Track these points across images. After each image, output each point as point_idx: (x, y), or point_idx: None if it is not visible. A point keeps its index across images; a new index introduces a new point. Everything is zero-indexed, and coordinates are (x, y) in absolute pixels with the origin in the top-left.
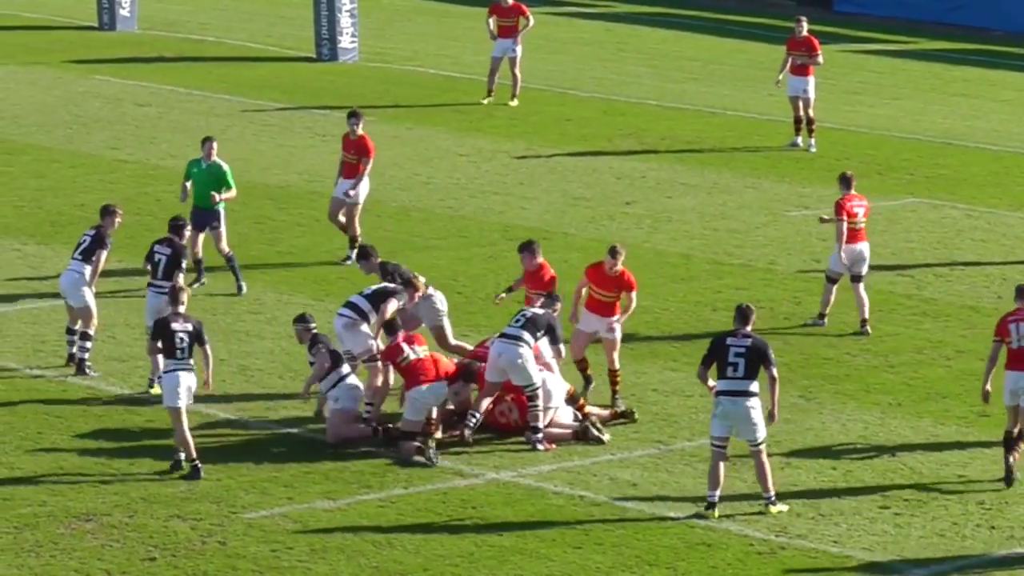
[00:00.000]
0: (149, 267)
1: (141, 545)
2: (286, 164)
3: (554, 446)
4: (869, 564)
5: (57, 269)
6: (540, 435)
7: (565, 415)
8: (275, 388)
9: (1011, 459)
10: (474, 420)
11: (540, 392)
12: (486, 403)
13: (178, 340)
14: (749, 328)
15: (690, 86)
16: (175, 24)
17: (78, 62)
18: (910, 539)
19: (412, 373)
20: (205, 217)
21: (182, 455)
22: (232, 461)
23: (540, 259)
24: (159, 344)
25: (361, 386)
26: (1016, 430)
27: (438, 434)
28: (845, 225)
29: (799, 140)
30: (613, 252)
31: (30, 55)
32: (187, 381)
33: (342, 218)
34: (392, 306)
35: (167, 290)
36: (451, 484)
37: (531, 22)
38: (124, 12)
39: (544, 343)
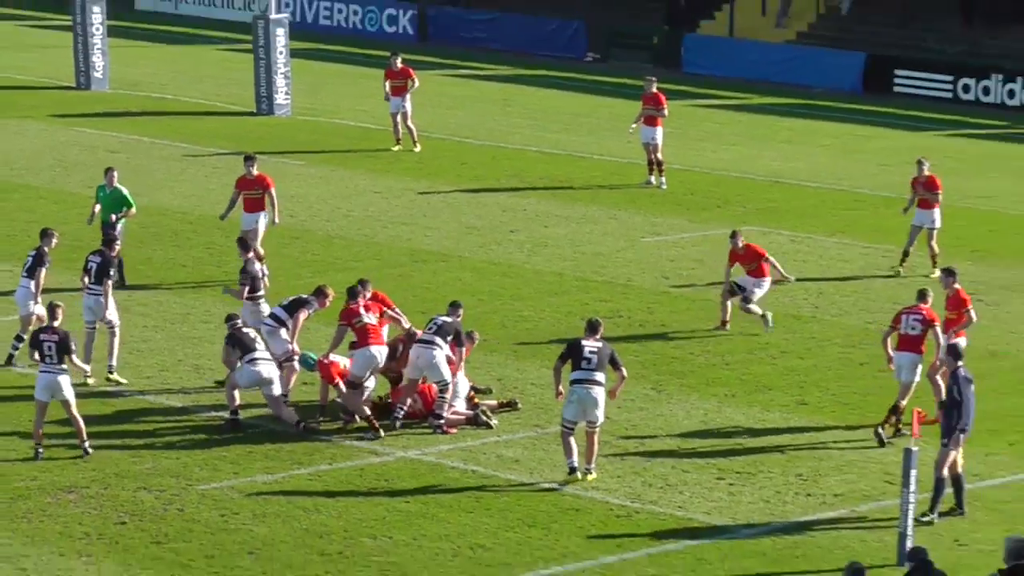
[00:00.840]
0: (84, 274)
1: (114, 512)
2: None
3: (453, 430)
4: (708, 526)
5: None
6: (442, 421)
7: (460, 404)
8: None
9: (881, 428)
10: (402, 412)
11: (450, 387)
12: (409, 400)
13: (46, 348)
14: (598, 336)
15: (563, 135)
16: (139, 84)
17: (60, 116)
18: (741, 505)
19: (363, 334)
20: (108, 232)
21: (41, 449)
22: (187, 442)
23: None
24: (35, 351)
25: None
26: (903, 402)
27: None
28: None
29: (652, 179)
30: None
31: (19, 111)
32: (50, 382)
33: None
34: (303, 315)
35: (99, 292)
36: (367, 461)
37: (416, 83)
38: (97, 74)
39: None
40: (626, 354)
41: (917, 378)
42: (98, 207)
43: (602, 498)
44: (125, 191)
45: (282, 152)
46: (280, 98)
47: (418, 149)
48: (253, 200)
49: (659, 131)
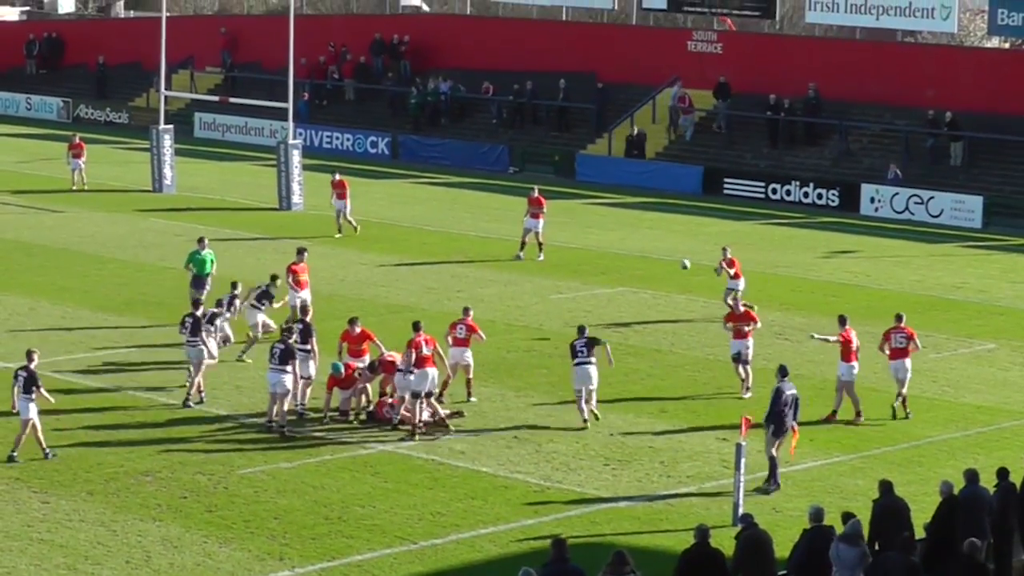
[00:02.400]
0: (182, 329)
1: (178, 489)
2: (263, 269)
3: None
4: (597, 498)
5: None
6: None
7: (425, 412)
8: (256, 399)
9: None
10: (397, 417)
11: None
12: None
13: (20, 380)
14: (584, 335)
15: (493, 224)
16: (197, 189)
17: (140, 211)
18: (621, 483)
19: (420, 360)
20: (202, 282)
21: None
22: (230, 440)
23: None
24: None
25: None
26: (904, 391)
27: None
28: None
29: (521, 255)
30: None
31: (111, 207)
32: (27, 406)
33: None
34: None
35: (197, 342)
36: (357, 453)
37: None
38: (167, 182)
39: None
40: (537, 377)
41: (909, 374)
42: (191, 267)
43: (523, 479)
44: (213, 254)
45: (296, 236)
46: (295, 198)
47: (358, 231)
48: (302, 281)
49: (541, 222)
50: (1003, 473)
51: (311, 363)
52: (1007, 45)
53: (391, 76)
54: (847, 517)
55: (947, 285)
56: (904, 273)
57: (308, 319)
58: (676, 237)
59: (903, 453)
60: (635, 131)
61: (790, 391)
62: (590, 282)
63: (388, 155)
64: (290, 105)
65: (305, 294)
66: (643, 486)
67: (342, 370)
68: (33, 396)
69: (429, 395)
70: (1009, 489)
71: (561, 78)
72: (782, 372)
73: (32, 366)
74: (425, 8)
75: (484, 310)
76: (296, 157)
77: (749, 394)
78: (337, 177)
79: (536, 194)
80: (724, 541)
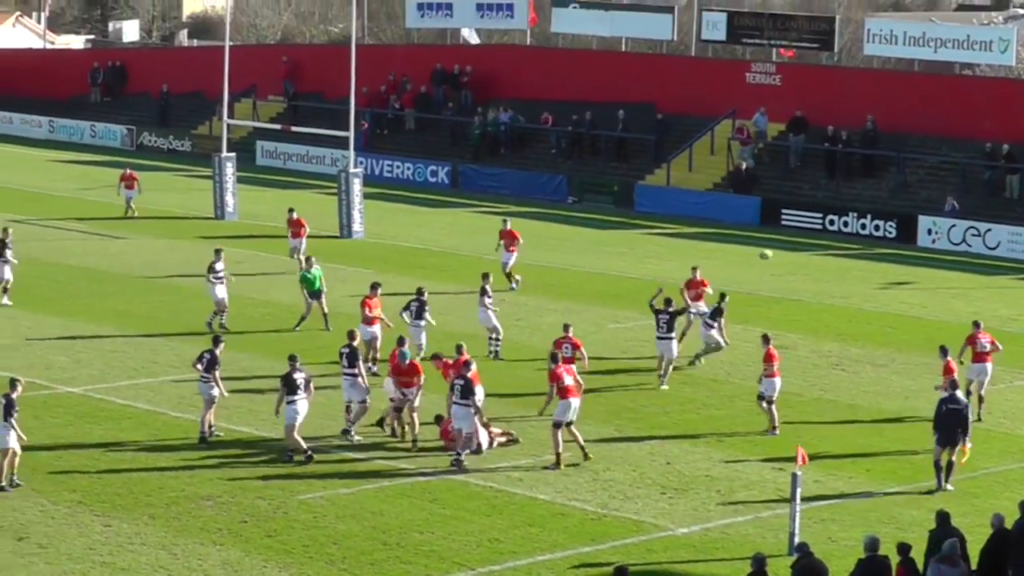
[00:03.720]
0: (197, 364)
1: (238, 513)
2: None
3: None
4: (654, 526)
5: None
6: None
7: (483, 435)
8: (312, 425)
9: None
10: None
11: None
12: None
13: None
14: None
15: (552, 254)
16: (258, 216)
17: (204, 237)
18: (677, 512)
19: (564, 391)
20: (316, 295)
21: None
22: (290, 467)
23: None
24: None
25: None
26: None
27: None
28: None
29: (514, 286)
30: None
31: (174, 234)
32: (7, 434)
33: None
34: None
35: (210, 379)
36: (416, 480)
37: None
38: (229, 209)
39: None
40: (595, 406)
41: (989, 376)
42: (304, 286)
43: (580, 506)
44: (320, 271)
45: (357, 264)
46: (356, 226)
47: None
48: (373, 318)
49: (513, 256)
50: None
51: (358, 386)
52: None
53: (452, 106)
54: (903, 548)
55: (1003, 317)
56: (960, 305)
57: (355, 344)
58: (733, 268)
59: (959, 484)
60: (743, 166)
61: (951, 405)
62: (647, 312)
63: (448, 184)
64: (351, 134)
65: (376, 329)
66: (699, 515)
67: (408, 358)
68: (12, 423)
69: (570, 424)
70: None
71: (620, 109)
72: (952, 385)
73: (14, 395)
74: (474, 39)
75: (543, 339)
76: (357, 185)
77: (776, 432)
78: (295, 216)
79: (508, 227)
80: (780, 570)
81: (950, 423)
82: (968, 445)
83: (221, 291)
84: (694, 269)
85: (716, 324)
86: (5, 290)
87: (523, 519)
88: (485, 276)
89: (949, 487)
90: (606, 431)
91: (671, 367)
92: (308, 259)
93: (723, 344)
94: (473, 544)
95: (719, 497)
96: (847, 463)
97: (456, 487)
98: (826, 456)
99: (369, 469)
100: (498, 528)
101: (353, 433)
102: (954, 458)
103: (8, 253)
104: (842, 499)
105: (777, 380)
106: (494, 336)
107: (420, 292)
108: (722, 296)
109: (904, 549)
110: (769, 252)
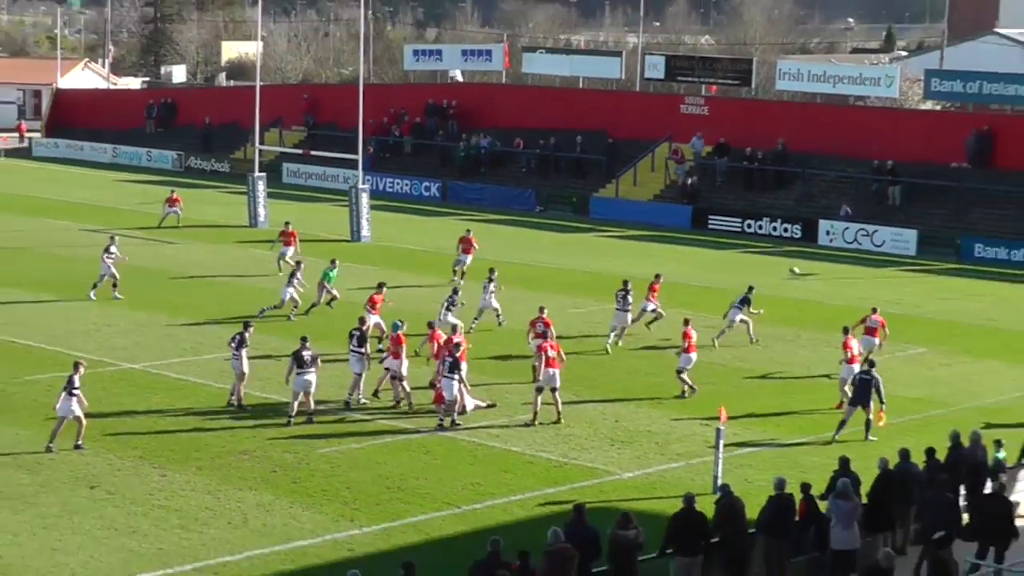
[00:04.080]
0: (231, 343)
1: (269, 464)
2: (341, 286)
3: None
4: (606, 471)
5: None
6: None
7: (469, 401)
8: (332, 393)
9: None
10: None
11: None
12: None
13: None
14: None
15: (524, 253)
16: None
17: (239, 242)
18: (624, 459)
19: (547, 361)
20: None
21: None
22: (312, 427)
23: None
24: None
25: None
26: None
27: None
28: None
29: (459, 281)
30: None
31: (215, 240)
32: (68, 405)
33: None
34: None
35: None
36: (412, 437)
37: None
38: (260, 219)
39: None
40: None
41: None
42: (326, 282)
43: (546, 456)
44: (336, 273)
45: (365, 263)
46: (364, 232)
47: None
48: (377, 308)
49: (469, 257)
50: (930, 452)
51: (364, 362)
52: (939, 107)
53: (441, 133)
54: (805, 487)
55: (888, 301)
56: (853, 292)
57: (365, 328)
58: (670, 263)
59: (850, 436)
60: (689, 182)
61: (864, 376)
62: (601, 300)
63: (439, 197)
64: (360, 157)
65: (377, 318)
66: (641, 462)
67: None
68: (75, 395)
69: (554, 390)
70: (935, 466)
71: (578, 135)
72: (869, 362)
73: (76, 376)
74: (459, 78)
75: (516, 320)
76: (364, 199)
77: (685, 397)
78: (289, 227)
79: (470, 235)
80: (706, 506)
81: (862, 389)
82: (883, 410)
83: (287, 292)
84: (658, 276)
85: (743, 309)
86: (115, 285)
87: (499, 467)
88: (491, 270)
89: (872, 438)
90: (566, 396)
91: (624, 332)
92: (333, 260)
93: (749, 323)
94: (459, 487)
95: (657, 448)
96: (760, 420)
97: (445, 442)
98: (744, 415)
99: (375, 428)
100: (479, 474)
101: (360, 399)
102: (871, 417)
103: (113, 253)
104: (756, 448)
105: (693, 355)
106: (497, 314)
107: (455, 291)
108: (750, 288)
109: (806, 488)
110: (798, 268)
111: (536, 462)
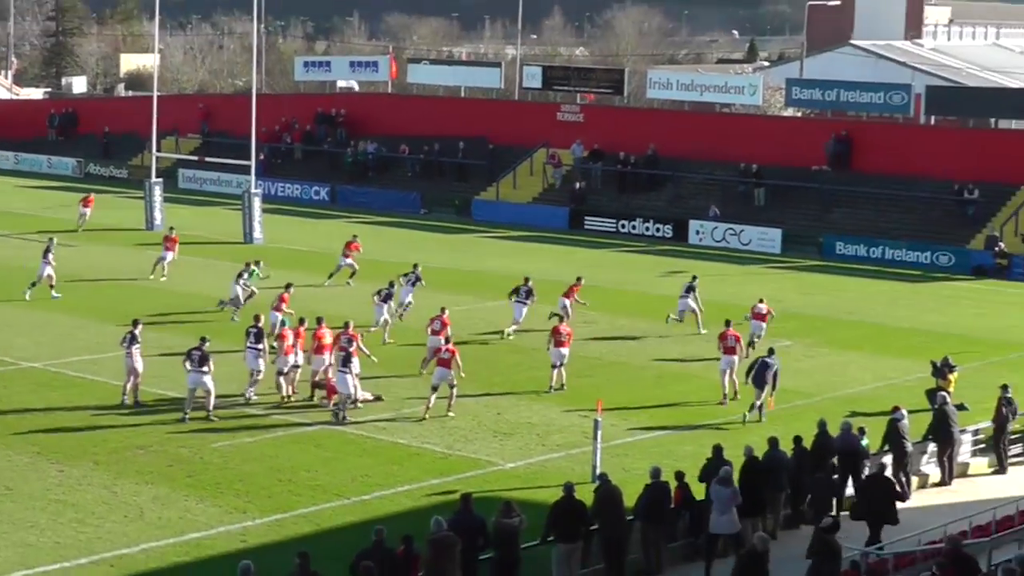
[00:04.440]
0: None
1: (165, 458)
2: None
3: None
4: (488, 462)
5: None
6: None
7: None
8: (226, 388)
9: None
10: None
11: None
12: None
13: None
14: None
15: (411, 253)
16: (180, 227)
17: (136, 244)
18: (506, 451)
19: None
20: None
21: None
22: (208, 423)
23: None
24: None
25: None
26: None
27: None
28: None
29: (329, 283)
30: None
31: (113, 242)
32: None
33: None
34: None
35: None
36: (303, 431)
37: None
38: (157, 222)
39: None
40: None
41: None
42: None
43: (431, 448)
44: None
45: (257, 262)
46: (256, 233)
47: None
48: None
49: (348, 260)
50: (798, 440)
51: (261, 360)
52: (800, 114)
53: (330, 140)
54: (679, 475)
55: (754, 296)
56: (722, 288)
57: (260, 325)
58: (548, 262)
59: (724, 426)
60: (577, 186)
61: (767, 359)
62: (483, 297)
63: (328, 201)
64: (252, 163)
65: (279, 315)
66: (523, 452)
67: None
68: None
69: (435, 389)
70: (802, 452)
71: (461, 141)
72: (770, 351)
73: (136, 331)
74: (355, 88)
75: (414, 319)
76: (257, 203)
77: (551, 392)
78: (172, 233)
79: (356, 240)
80: (586, 494)
81: (761, 372)
82: (773, 396)
83: (235, 289)
84: (579, 279)
85: (690, 296)
86: (51, 286)
87: (387, 459)
88: (415, 266)
89: (763, 420)
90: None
91: (516, 326)
92: (258, 262)
93: (697, 311)
94: (348, 479)
95: (539, 439)
96: (636, 411)
97: (335, 435)
98: (620, 408)
99: (268, 423)
100: (368, 466)
101: (252, 395)
102: (761, 401)
103: (50, 256)
104: (633, 439)
105: (564, 350)
106: (404, 309)
107: (391, 284)
108: (693, 277)
109: (680, 475)
110: (673, 315)
111: (422, 454)
